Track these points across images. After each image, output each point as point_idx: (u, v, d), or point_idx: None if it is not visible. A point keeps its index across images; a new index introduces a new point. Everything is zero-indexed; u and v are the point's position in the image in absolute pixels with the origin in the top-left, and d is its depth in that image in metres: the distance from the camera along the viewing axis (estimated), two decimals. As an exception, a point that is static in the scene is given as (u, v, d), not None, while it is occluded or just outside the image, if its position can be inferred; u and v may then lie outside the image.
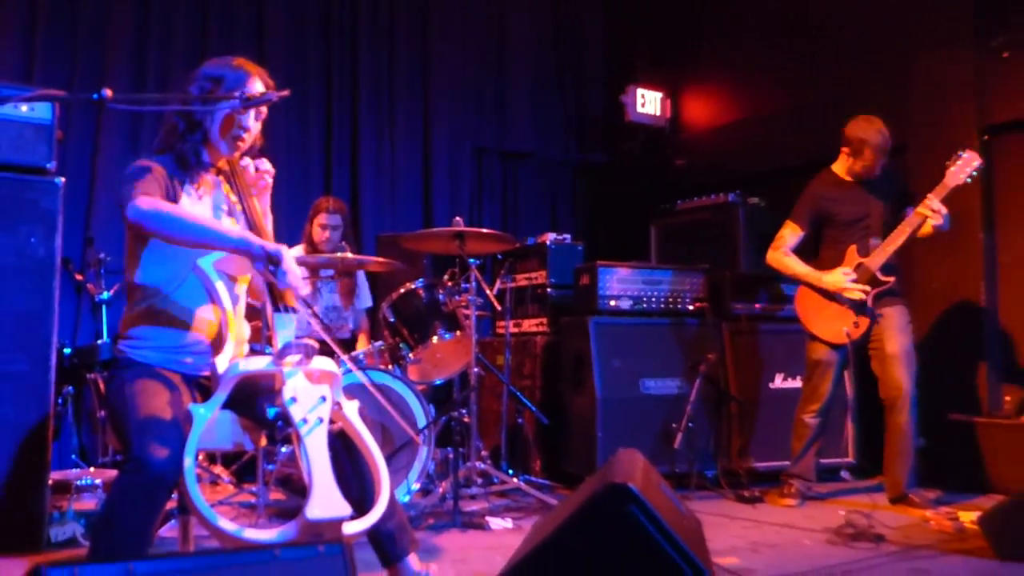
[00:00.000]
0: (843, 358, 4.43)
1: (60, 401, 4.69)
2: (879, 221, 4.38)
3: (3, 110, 3.51)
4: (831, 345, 4.41)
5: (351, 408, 2.47)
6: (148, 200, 2.38)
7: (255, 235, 2.53)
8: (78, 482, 3.89)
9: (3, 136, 3.54)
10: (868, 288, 4.29)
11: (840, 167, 4.51)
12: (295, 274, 2.40)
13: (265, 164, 2.75)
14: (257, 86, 2.65)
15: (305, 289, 2.48)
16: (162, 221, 2.38)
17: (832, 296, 4.39)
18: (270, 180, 2.78)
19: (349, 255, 4.41)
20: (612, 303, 5.01)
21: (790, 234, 4.56)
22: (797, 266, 4.51)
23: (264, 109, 2.70)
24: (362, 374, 3.83)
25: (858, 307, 4.32)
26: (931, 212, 4.16)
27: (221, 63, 2.69)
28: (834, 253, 4.46)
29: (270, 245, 2.40)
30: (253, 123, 2.69)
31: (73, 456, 4.88)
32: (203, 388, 2.56)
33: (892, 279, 4.32)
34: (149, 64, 5.71)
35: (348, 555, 1.54)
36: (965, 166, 4.18)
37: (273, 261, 2.37)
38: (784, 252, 4.55)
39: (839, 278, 4.35)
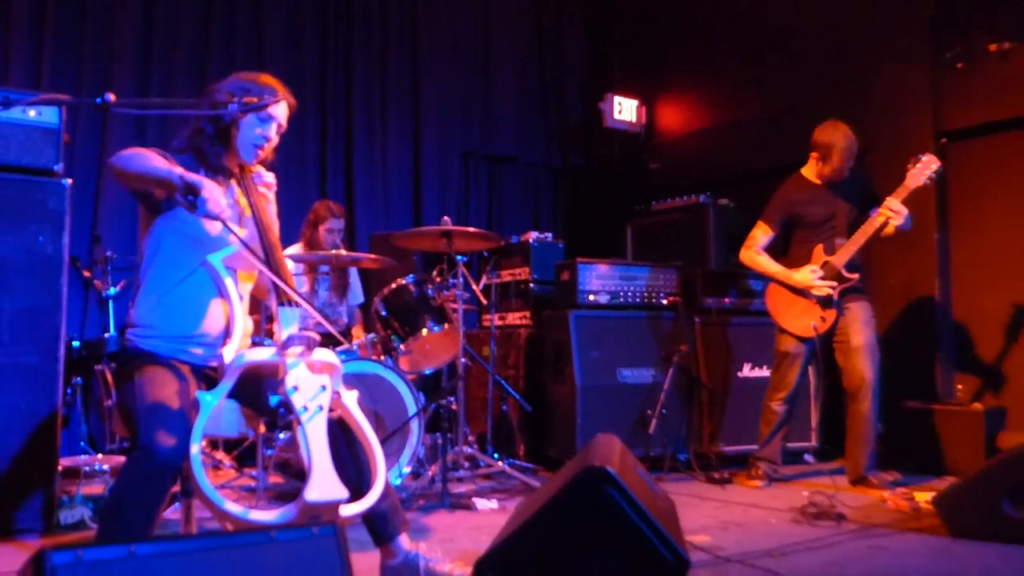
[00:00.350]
0: (810, 350, 4.43)
1: (69, 391, 4.65)
2: (845, 221, 4.39)
3: (12, 115, 3.47)
4: (799, 338, 4.42)
5: (350, 397, 2.46)
6: (131, 148, 2.40)
7: (262, 237, 2.54)
8: (87, 468, 3.86)
9: (12, 139, 3.51)
10: (835, 284, 4.30)
11: (809, 171, 4.51)
12: (216, 201, 2.34)
13: (268, 177, 2.72)
14: (281, 107, 2.63)
15: (228, 213, 2.43)
16: (122, 158, 2.38)
17: (800, 292, 4.39)
18: (272, 192, 2.75)
19: (343, 252, 4.39)
20: (591, 297, 5.01)
21: (761, 234, 4.57)
22: (768, 264, 4.51)
23: (284, 123, 2.68)
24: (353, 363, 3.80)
25: (824, 303, 4.33)
26: (892, 212, 4.17)
27: (251, 77, 2.66)
28: (802, 252, 4.46)
29: (189, 175, 2.35)
30: (274, 134, 2.66)
31: (82, 443, 4.84)
32: (208, 378, 2.53)
33: (856, 276, 4.32)
34: (153, 71, 5.67)
35: (341, 536, 1.53)
36: (925, 168, 4.19)
37: (192, 191, 2.32)
38: (756, 251, 4.55)
39: (807, 276, 4.35)
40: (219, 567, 1.37)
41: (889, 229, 4.23)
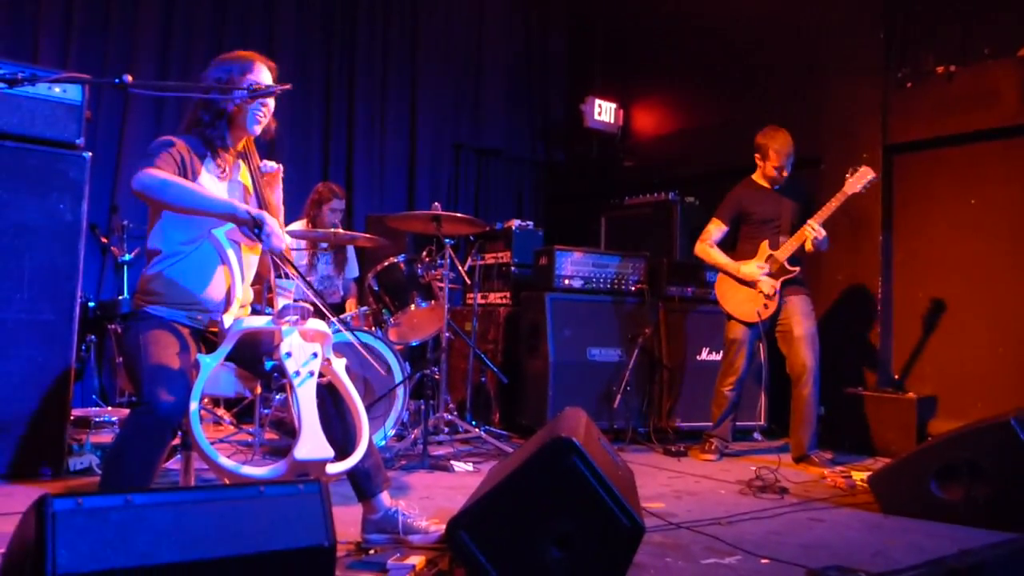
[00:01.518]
0: (755, 336, 4.43)
1: (84, 348, 4.59)
2: (788, 221, 4.40)
3: (38, 91, 3.42)
4: (745, 323, 4.42)
5: (339, 364, 2.42)
6: (151, 171, 2.31)
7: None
8: (96, 419, 3.82)
9: (38, 114, 3.46)
10: (775, 283, 4.31)
11: (758, 176, 4.54)
12: (278, 236, 2.35)
13: (273, 165, 2.66)
14: (264, 74, 2.57)
15: (286, 244, 2.42)
16: (159, 189, 2.30)
17: (747, 283, 4.40)
18: (278, 179, 2.70)
19: (341, 231, 4.34)
20: (566, 282, 4.98)
21: (715, 229, 4.57)
22: (719, 257, 4.52)
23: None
24: (349, 333, 3.77)
25: (767, 292, 4.35)
26: (811, 231, 4.21)
27: (230, 57, 2.60)
28: (750, 246, 4.47)
29: (254, 210, 2.34)
30: (270, 100, 2.59)
31: (93, 396, 4.79)
32: (209, 341, 2.50)
33: (797, 269, 4.34)
34: (173, 54, 5.58)
35: (325, 492, 1.50)
36: (861, 178, 4.20)
37: (257, 224, 2.31)
38: (709, 244, 4.55)
39: (754, 270, 4.37)
40: (210, 518, 1.34)
41: (808, 246, 4.26)
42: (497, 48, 7.27)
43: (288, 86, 2.33)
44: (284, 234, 2.39)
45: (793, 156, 4.41)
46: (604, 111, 7.14)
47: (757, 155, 4.49)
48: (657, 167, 6.72)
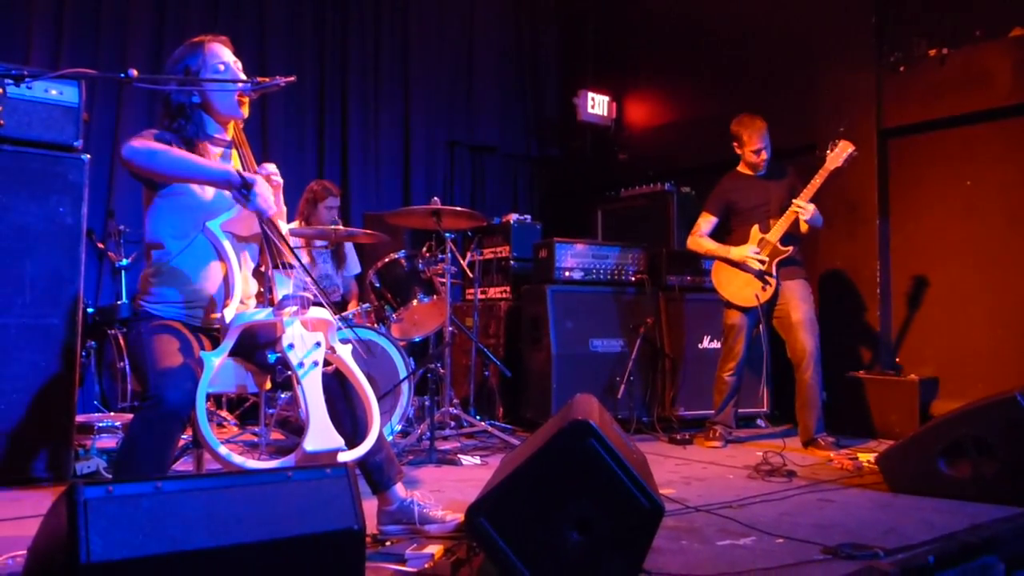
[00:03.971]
0: (753, 321, 4.45)
1: (84, 354, 4.56)
2: (777, 206, 4.43)
3: (35, 94, 3.41)
4: (742, 309, 4.44)
5: (345, 351, 2.41)
6: (140, 140, 2.31)
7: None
8: (100, 424, 3.80)
9: (36, 117, 3.45)
10: (767, 259, 4.33)
11: (742, 165, 4.60)
12: (264, 197, 2.34)
13: (271, 168, 2.63)
14: (226, 54, 2.56)
15: (274, 209, 2.40)
16: (150, 157, 2.30)
17: (741, 267, 4.42)
18: (277, 180, 2.68)
19: (341, 228, 4.34)
20: (566, 274, 4.99)
21: (704, 222, 4.60)
22: (710, 244, 4.55)
23: (234, 57, 2.59)
24: (348, 330, 3.76)
25: (763, 274, 4.36)
26: (800, 209, 4.24)
27: (187, 47, 2.57)
28: (741, 233, 4.51)
29: (247, 173, 2.34)
30: (234, 68, 2.57)
31: (95, 402, 4.76)
32: (212, 337, 2.48)
33: (791, 248, 4.36)
34: (164, 56, 5.53)
35: (351, 477, 1.50)
36: (841, 153, 4.24)
37: (246, 185, 2.30)
38: (700, 235, 4.60)
39: (745, 251, 4.41)
40: (239, 503, 1.33)
41: (803, 227, 4.27)
42: (489, 44, 7.26)
43: (292, 78, 2.33)
44: (271, 197, 2.36)
45: (768, 138, 4.46)
46: (597, 104, 7.15)
47: (735, 143, 4.57)
48: (651, 159, 6.73)
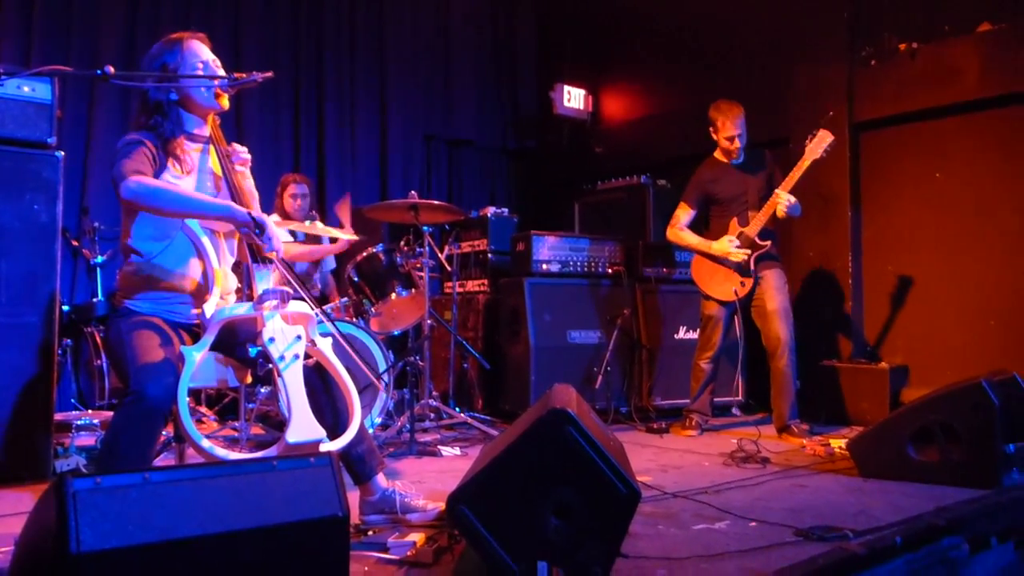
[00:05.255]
0: (730, 313, 4.52)
1: (60, 352, 4.55)
2: (756, 197, 4.48)
3: (8, 91, 3.38)
4: (721, 302, 4.51)
5: (325, 344, 2.44)
6: (138, 179, 2.30)
7: (235, 199, 2.48)
8: (78, 422, 3.80)
9: (9, 114, 3.42)
10: (749, 252, 4.39)
11: (717, 152, 4.62)
12: (279, 238, 2.40)
13: (244, 153, 2.65)
14: (204, 52, 2.57)
15: (282, 250, 2.44)
16: (153, 197, 2.30)
17: (721, 261, 4.48)
18: (247, 168, 2.69)
19: (319, 224, 4.36)
20: (544, 266, 5.04)
21: (683, 214, 4.65)
22: (690, 238, 4.59)
23: (212, 55, 2.59)
24: (331, 324, 3.79)
25: (742, 269, 4.42)
26: (781, 201, 4.28)
27: (165, 44, 2.57)
28: (720, 225, 4.56)
29: (255, 213, 2.37)
30: (212, 66, 2.57)
31: (72, 400, 4.74)
32: (192, 333, 2.50)
33: (769, 243, 4.42)
34: (137, 54, 5.50)
35: (335, 465, 1.53)
36: (820, 142, 4.29)
37: (259, 227, 2.34)
38: (679, 228, 4.63)
39: (725, 245, 4.45)
40: (226, 493, 1.37)
41: (780, 212, 4.32)
42: (465, 38, 7.27)
43: (270, 74, 2.35)
44: (282, 236, 2.42)
45: (744, 125, 4.50)
46: (573, 98, 7.20)
47: (710, 128, 4.58)
48: (628, 152, 6.80)
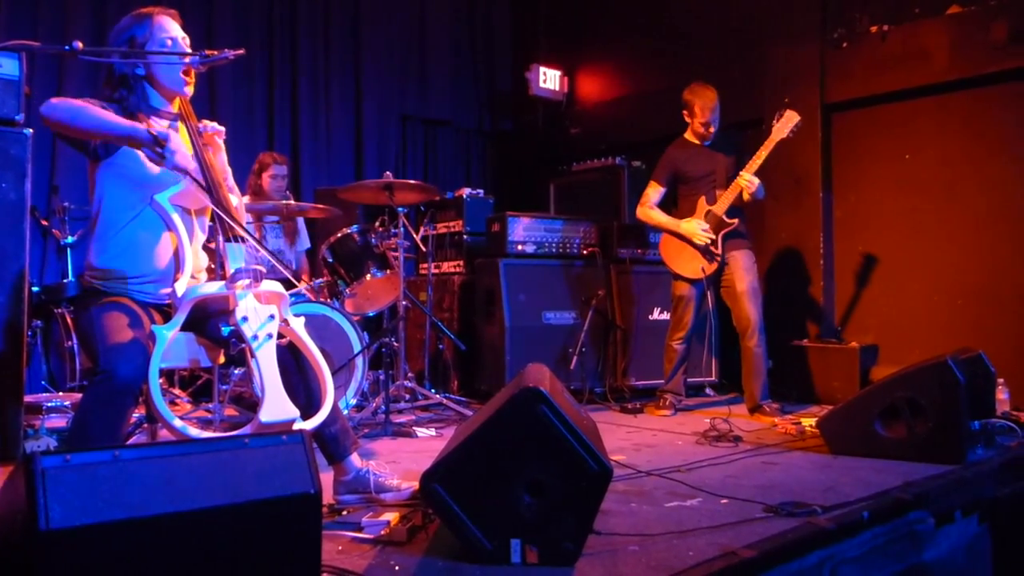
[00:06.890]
0: (700, 292, 4.54)
1: (30, 334, 4.49)
2: (724, 176, 4.50)
3: (-27, 67, 3.31)
4: (690, 281, 4.54)
5: (298, 324, 2.43)
6: (61, 98, 2.29)
7: (206, 175, 2.45)
8: (48, 404, 3.77)
9: (-27, 91, 3.35)
10: (713, 236, 4.42)
11: (688, 133, 4.63)
12: (183, 154, 2.33)
13: (215, 125, 2.62)
14: (174, 28, 2.54)
15: (192, 164, 2.40)
16: (65, 112, 2.28)
17: (688, 240, 4.51)
18: (221, 140, 2.65)
19: (293, 202, 4.32)
20: (519, 247, 5.04)
21: (653, 192, 4.66)
22: (660, 216, 4.61)
23: (182, 32, 2.57)
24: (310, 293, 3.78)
25: (708, 253, 4.45)
26: (745, 182, 4.31)
27: (134, 17, 2.54)
28: (688, 204, 4.58)
29: (156, 128, 2.31)
30: (182, 43, 2.55)
31: (43, 382, 4.70)
32: (163, 312, 2.48)
33: (736, 221, 4.44)
34: (108, 21, 5.39)
35: (308, 443, 1.53)
36: (787, 123, 4.32)
37: (159, 143, 2.28)
38: (649, 207, 4.65)
39: (693, 226, 4.47)
40: (197, 470, 1.36)
41: (745, 196, 4.35)
42: (441, 17, 7.22)
43: (242, 51, 2.32)
44: (189, 152, 2.35)
45: (719, 111, 4.51)
46: (549, 79, 7.18)
47: (685, 111, 4.59)
48: (603, 133, 6.80)
